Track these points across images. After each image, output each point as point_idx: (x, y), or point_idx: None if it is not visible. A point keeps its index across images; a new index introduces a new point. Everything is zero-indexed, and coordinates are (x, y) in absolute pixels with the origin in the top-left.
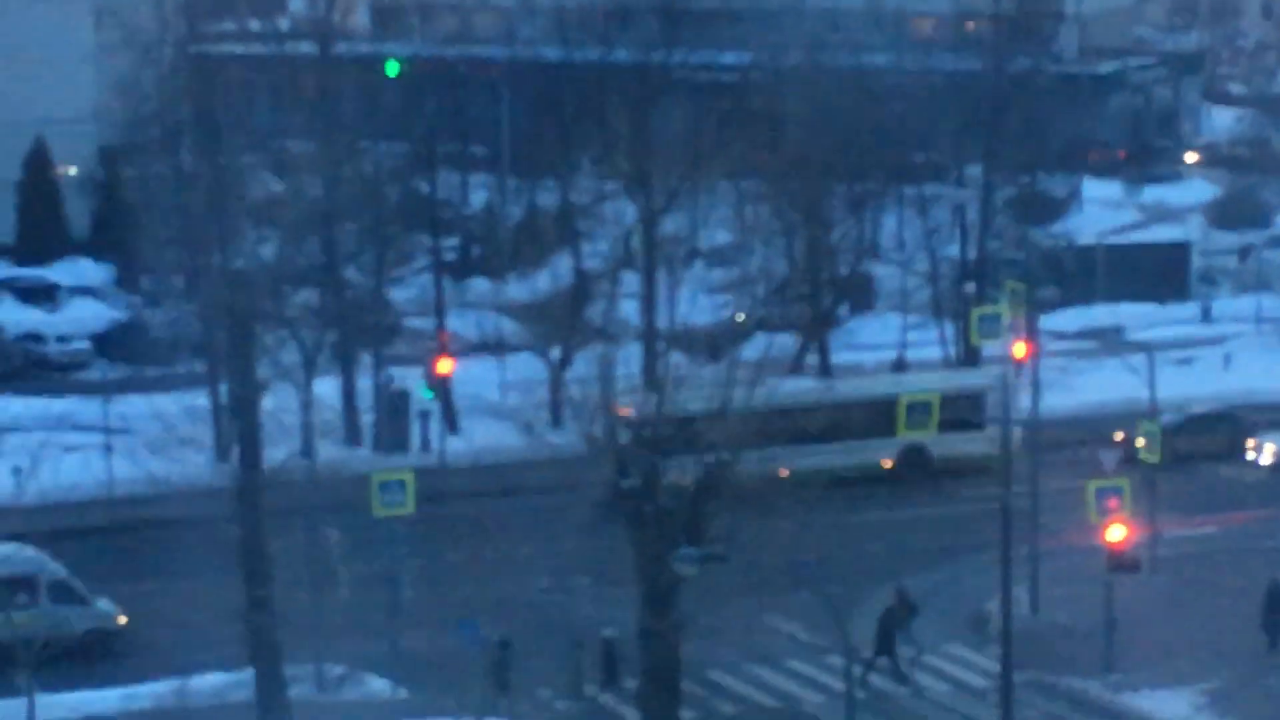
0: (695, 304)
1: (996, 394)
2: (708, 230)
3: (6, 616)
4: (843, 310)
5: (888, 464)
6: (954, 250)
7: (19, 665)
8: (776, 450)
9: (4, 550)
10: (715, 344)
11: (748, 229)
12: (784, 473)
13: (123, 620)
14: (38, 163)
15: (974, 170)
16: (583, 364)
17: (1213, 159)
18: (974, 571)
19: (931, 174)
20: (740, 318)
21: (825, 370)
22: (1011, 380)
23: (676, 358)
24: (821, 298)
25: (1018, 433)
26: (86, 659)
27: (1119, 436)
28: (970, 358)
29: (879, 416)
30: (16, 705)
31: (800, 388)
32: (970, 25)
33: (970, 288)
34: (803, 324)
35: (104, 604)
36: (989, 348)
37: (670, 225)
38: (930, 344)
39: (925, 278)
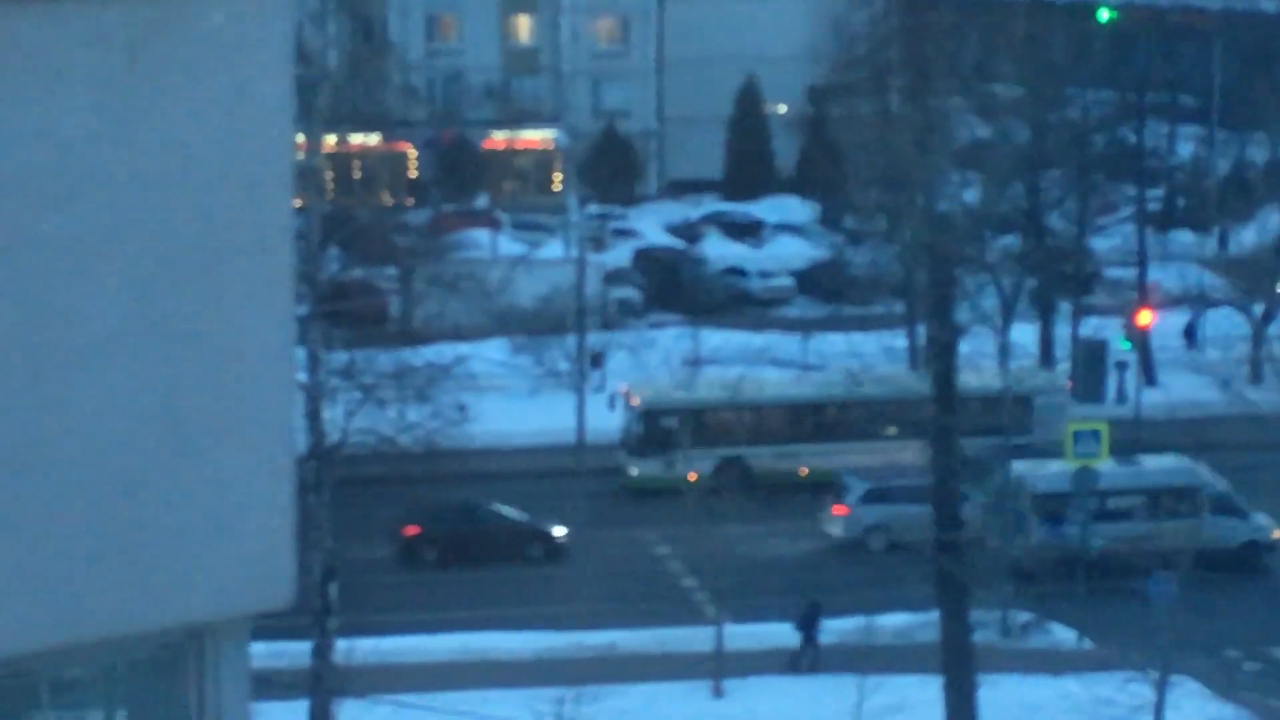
0: None
1: (1046, 398)
2: None
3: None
4: None
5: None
6: None
7: (1176, 572)
8: None
9: (1165, 463)
10: None
11: None
12: None
13: (1277, 534)
14: (749, 101)
15: None
16: None
17: None
18: None
19: None
20: None
21: None
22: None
23: None
24: None
25: None
26: (1240, 571)
27: None
28: None
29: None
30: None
31: None
32: None
33: None
34: None
35: (1260, 518)
36: None
37: None
38: None
39: None
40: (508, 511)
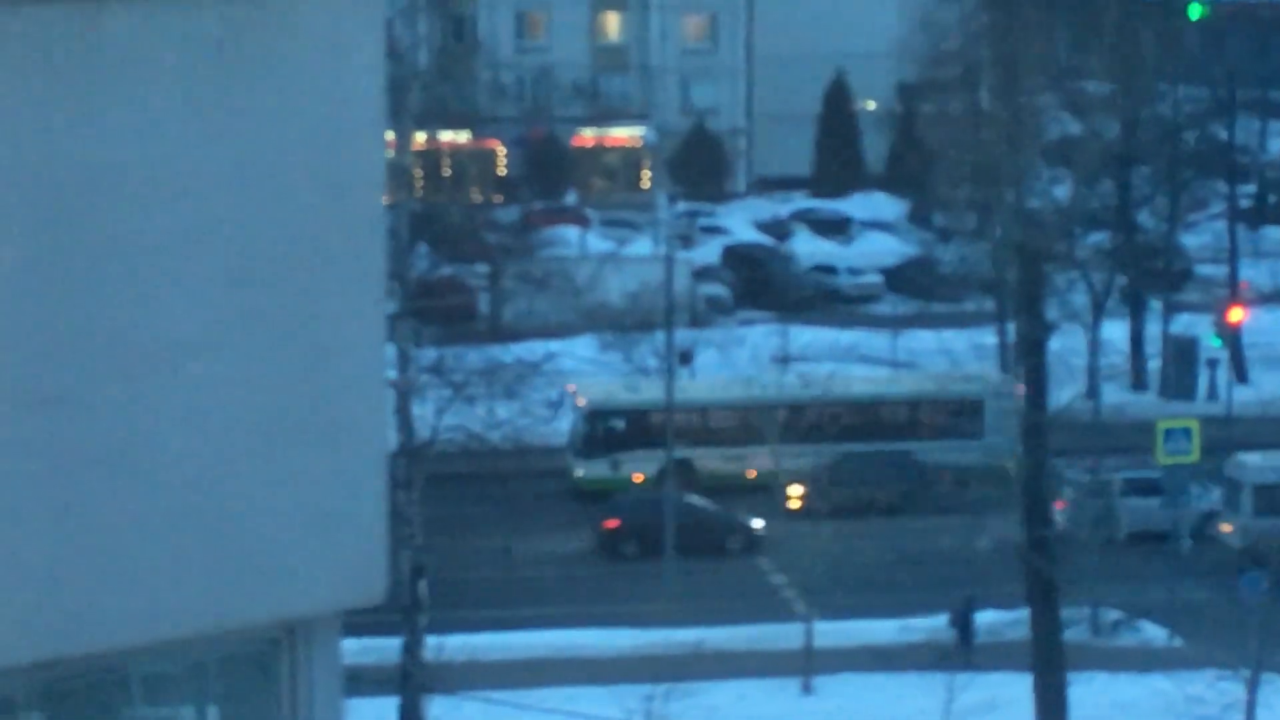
0: None
1: (996, 401)
2: None
3: None
4: None
5: None
6: None
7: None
8: None
9: None
10: None
11: None
12: None
13: None
14: (837, 97)
15: None
16: None
17: None
18: None
19: None
20: None
21: None
22: None
23: None
24: None
25: None
26: None
27: None
28: None
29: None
30: None
31: None
32: None
33: None
34: None
35: None
36: None
37: None
38: None
39: None
40: (704, 504)
